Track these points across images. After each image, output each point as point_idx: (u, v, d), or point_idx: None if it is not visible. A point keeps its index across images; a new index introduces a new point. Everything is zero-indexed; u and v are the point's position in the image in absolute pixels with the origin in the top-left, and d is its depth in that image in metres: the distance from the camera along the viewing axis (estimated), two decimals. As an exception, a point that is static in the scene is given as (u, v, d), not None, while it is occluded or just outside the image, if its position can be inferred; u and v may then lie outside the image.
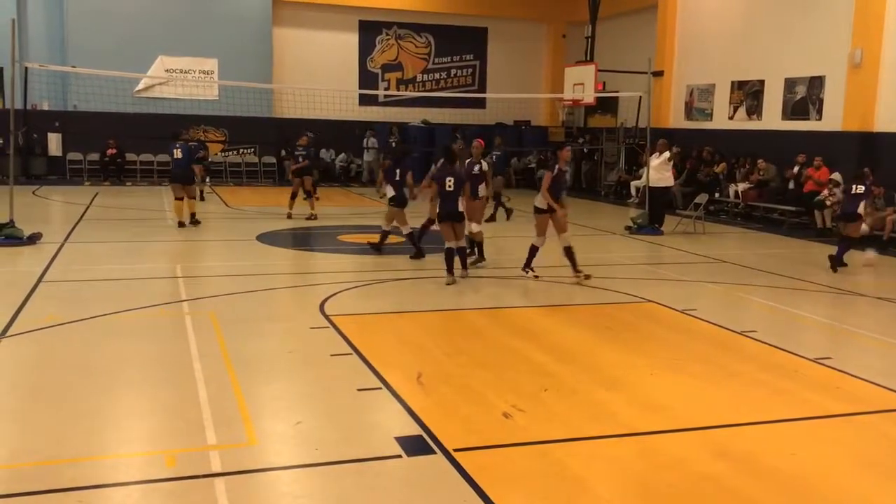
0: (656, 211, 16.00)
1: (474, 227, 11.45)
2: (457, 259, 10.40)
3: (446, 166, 10.74)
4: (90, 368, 6.56)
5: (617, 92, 21.78)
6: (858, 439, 5.57)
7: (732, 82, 20.43)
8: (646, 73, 17.65)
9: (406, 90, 27.53)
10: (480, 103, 26.70)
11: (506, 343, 7.66)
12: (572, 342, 7.86)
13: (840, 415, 5.97)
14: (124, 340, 7.42)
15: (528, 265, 10.72)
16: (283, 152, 24.02)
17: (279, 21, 25.59)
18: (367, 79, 26.79)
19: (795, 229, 16.61)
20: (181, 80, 23.81)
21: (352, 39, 26.73)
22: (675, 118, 22.49)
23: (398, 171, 12.05)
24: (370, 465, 4.84)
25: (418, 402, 5.89)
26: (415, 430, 5.38)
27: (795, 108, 18.52)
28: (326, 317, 8.38)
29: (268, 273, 10.92)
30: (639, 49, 22.92)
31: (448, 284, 10.15)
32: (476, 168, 11.69)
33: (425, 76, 27.74)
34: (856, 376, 6.84)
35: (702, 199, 16.34)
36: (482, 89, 27.86)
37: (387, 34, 27.15)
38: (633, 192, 20.91)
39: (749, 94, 19.96)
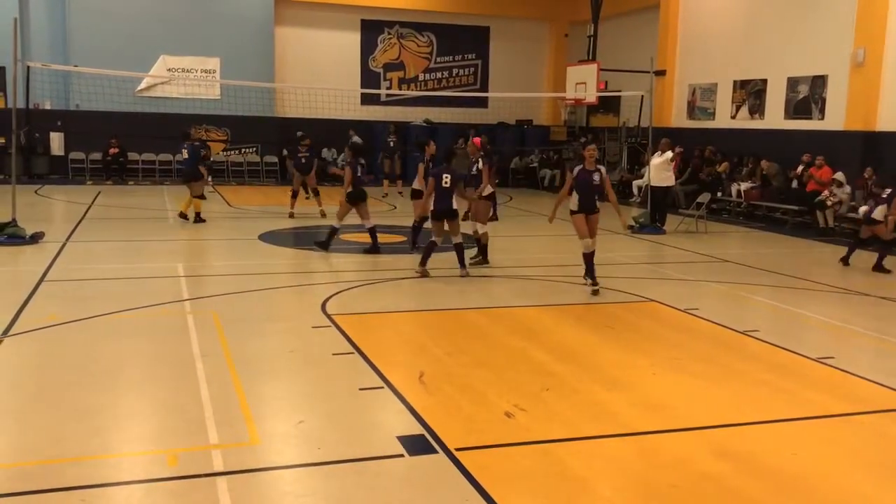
0: (658, 210, 16.01)
1: (480, 229, 11.45)
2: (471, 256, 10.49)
3: (443, 164, 10.77)
4: (92, 368, 6.57)
5: (619, 91, 21.78)
6: (860, 439, 5.56)
7: (735, 81, 20.41)
8: (648, 72, 17.63)
9: (408, 90, 27.53)
10: (482, 103, 26.69)
11: (507, 342, 7.66)
12: (574, 341, 7.86)
13: (842, 414, 5.96)
14: (126, 340, 7.42)
15: (587, 273, 9.99)
16: (285, 152, 24.04)
17: (281, 20, 25.60)
18: (369, 78, 26.79)
19: (798, 229, 16.59)
20: (183, 79, 23.82)
21: (354, 39, 26.73)
22: (678, 117, 22.48)
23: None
24: (372, 464, 4.84)
25: (420, 401, 5.89)
26: (416, 429, 5.38)
27: (798, 108, 18.50)
28: (328, 316, 8.38)
29: (270, 272, 10.92)
30: (641, 48, 22.90)
31: (417, 275, 10.38)
32: (474, 168, 11.71)
33: (427, 75, 27.73)
34: (858, 376, 6.83)
35: (704, 198, 16.33)
36: (484, 89, 27.84)
37: (389, 33, 27.14)
38: (635, 191, 20.91)
39: (751, 93, 19.94)
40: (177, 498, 4.39)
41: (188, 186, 15.22)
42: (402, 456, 4.96)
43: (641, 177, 19.93)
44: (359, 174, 12.14)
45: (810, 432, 5.64)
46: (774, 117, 19.14)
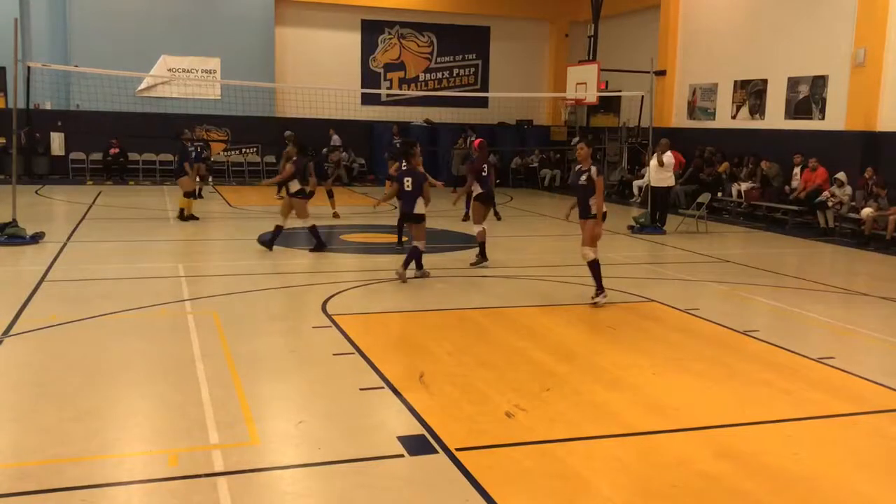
0: (658, 210, 16.01)
1: (475, 228, 11.46)
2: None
3: (405, 167, 10.68)
4: (92, 367, 6.57)
5: (619, 91, 21.79)
6: (861, 439, 5.55)
7: (735, 81, 20.40)
8: (648, 72, 17.64)
9: (408, 90, 27.53)
10: (483, 103, 26.69)
11: (508, 342, 7.66)
12: (575, 341, 7.86)
13: (843, 415, 5.96)
14: (127, 340, 7.42)
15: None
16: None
17: (282, 20, 25.60)
18: (369, 78, 26.79)
19: (798, 229, 16.59)
20: (184, 79, 23.84)
21: (354, 39, 26.73)
22: (678, 117, 22.47)
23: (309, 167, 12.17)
24: (372, 464, 4.84)
25: (420, 401, 5.89)
26: (417, 429, 5.37)
27: (798, 108, 18.49)
28: (329, 316, 8.38)
29: (270, 272, 10.92)
30: (641, 48, 22.91)
31: (398, 276, 10.16)
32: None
33: (428, 75, 27.73)
34: (859, 376, 6.83)
35: (704, 198, 16.32)
36: (485, 89, 27.84)
37: (389, 33, 27.14)
38: (635, 191, 20.91)
39: (752, 93, 19.93)
40: (177, 498, 4.39)
41: (179, 185, 15.62)
42: (402, 456, 4.96)
43: (642, 177, 19.93)
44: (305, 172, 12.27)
45: (811, 432, 5.64)
46: (775, 117, 19.14)
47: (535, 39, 28.56)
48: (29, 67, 18.62)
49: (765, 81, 19.48)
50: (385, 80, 27.24)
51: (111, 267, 11.02)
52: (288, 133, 18.10)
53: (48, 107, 23.42)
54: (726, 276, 11.36)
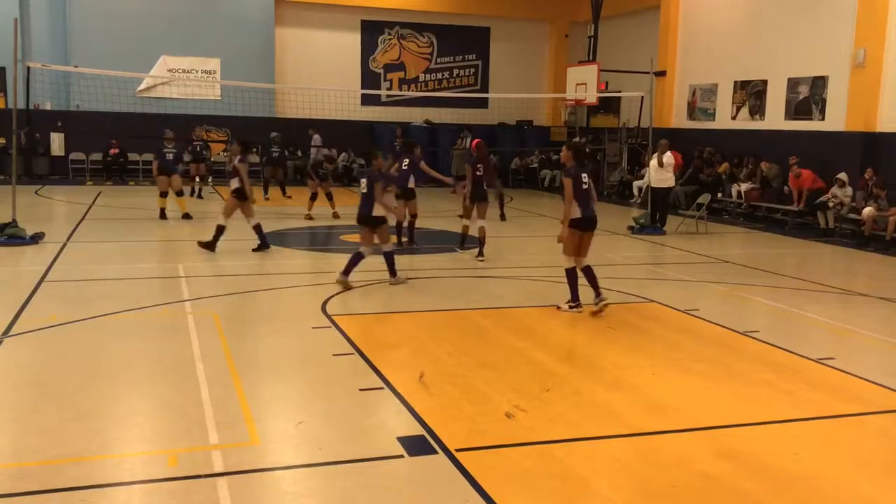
0: (658, 211, 16.01)
1: (463, 221, 11.75)
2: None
3: (369, 168, 10.33)
4: (92, 368, 6.57)
5: (619, 92, 21.78)
6: (862, 440, 5.55)
7: (735, 82, 20.40)
8: (648, 72, 17.64)
9: (408, 90, 27.53)
10: (483, 103, 26.69)
11: (508, 343, 7.66)
12: (574, 342, 7.86)
13: (843, 415, 5.96)
14: (127, 340, 7.42)
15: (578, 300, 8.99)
16: (286, 152, 23.98)
17: (282, 21, 25.60)
18: (369, 79, 26.79)
19: (798, 229, 16.59)
20: (184, 79, 23.83)
21: (354, 39, 26.73)
22: (678, 118, 22.47)
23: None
24: (372, 465, 4.84)
25: (420, 402, 5.89)
26: (417, 429, 5.37)
27: (798, 109, 18.49)
28: (328, 316, 8.38)
29: (270, 273, 10.93)
30: (641, 49, 22.91)
31: (338, 283, 9.69)
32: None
33: (428, 76, 27.73)
34: (859, 377, 6.83)
35: (704, 199, 16.32)
36: (485, 89, 27.84)
37: (389, 34, 27.14)
38: (635, 192, 20.91)
39: (752, 94, 19.93)
40: (177, 498, 4.39)
41: (171, 182, 15.90)
42: (402, 456, 4.96)
43: (642, 177, 19.94)
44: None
45: (811, 433, 5.64)
46: (775, 118, 19.13)
47: (534, 40, 28.56)
48: (29, 67, 18.62)
49: (765, 82, 19.48)
50: (385, 80, 27.23)
51: (111, 267, 11.02)
52: (274, 134, 18.14)
53: (48, 107, 23.41)
54: (726, 277, 11.35)
